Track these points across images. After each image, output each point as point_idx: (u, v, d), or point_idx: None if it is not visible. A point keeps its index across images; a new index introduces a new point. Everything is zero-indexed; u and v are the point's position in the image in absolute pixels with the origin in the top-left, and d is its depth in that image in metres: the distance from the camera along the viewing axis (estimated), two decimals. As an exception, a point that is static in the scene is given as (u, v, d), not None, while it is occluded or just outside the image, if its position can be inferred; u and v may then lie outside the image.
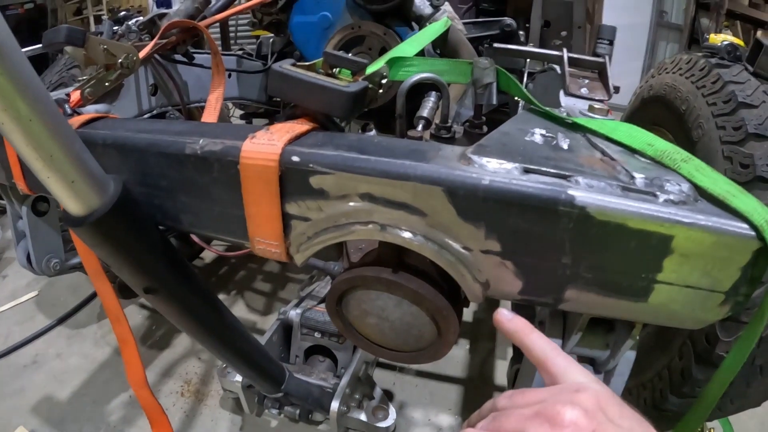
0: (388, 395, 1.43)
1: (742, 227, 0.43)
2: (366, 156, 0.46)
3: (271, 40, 1.66)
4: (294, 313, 1.28)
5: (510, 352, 1.63)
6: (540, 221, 0.43)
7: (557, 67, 1.01)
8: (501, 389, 1.50)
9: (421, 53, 0.94)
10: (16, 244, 1.00)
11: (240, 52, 1.59)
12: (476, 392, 1.50)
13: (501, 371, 1.57)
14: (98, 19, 4.49)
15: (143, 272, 0.58)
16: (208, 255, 2.14)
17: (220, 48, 1.41)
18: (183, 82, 1.25)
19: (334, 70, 0.61)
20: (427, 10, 1.27)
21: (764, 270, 0.43)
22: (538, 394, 0.41)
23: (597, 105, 0.76)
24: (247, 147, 0.49)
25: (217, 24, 2.15)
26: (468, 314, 1.80)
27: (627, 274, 0.45)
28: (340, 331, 0.64)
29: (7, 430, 1.34)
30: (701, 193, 0.47)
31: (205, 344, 0.76)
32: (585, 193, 0.43)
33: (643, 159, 0.54)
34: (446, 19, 1.19)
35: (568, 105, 0.84)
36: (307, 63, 0.60)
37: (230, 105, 2.02)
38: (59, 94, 0.83)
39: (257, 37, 1.84)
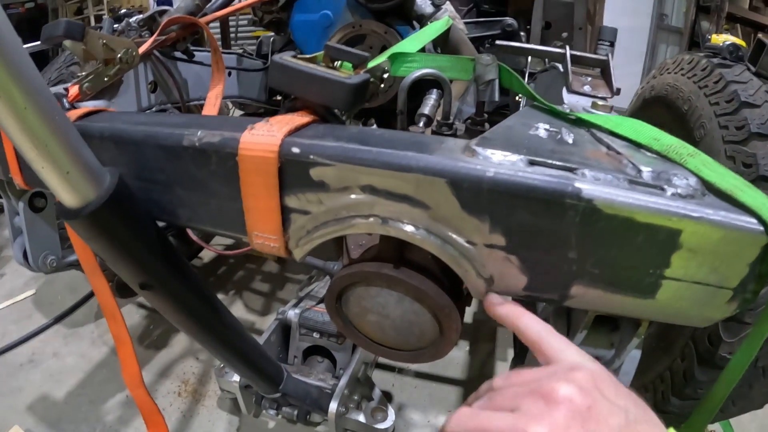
0: (387, 396, 1.42)
1: (751, 222, 0.42)
2: (368, 147, 0.45)
3: (271, 38, 1.65)
4: (292, 313, 1.27)
5: (510, 353, 1.62)
6: (546, 214, 0.42)
7: (559, 66, 1.00)
8: (501, 391, 1.48)
9: (422, 51, 0.93)
10: (12, 241, 0.99)
11: (240, 51, 1.59)
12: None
13: (501, 372, 1.56)
14: (99, 19, 4.49)
15: (139, 267, 0.57)
16: (206, 254, 2.13)
17: (220, 46, 1.40)
18: (183, 79, 1.24)
19: (336, 63, 0.60)
20: (429, 9, 1.27)
21: (773, 266, 0.42)
22: (534, 373, 0.41)
23: (600, 102, 0.75)
24: (245, 138, 0.48)
25: (218, 23, 2.15)
26: (468, 315, 1.79)
27: (634, 269, 0.44)
28: (339, 329, 0.63)
29: (3, 429, 1.32)
30: (708, 187, 0.47)
31: (203, 342, 0.75)
32: (592, 185, 0.42)
33: (649, 154, 0.53)
34: (447, 18, 1.19)
35: (571, 102, 0.83)
36: (308, 56, 0.59)
37: (230, 104, 2.02)
38: (58, 89, 0.83)
39: (257, 37, 1.84)
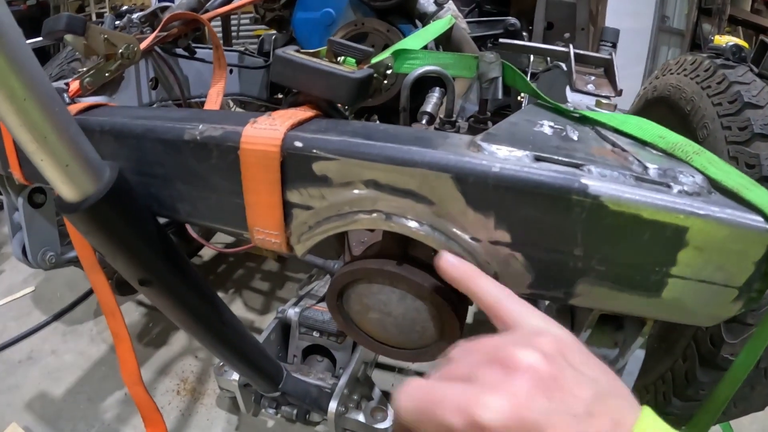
0: (387, 396, 1.41)
1: (757, 220, 0.42)
2: (371, 142, 0.45)
3: (273, 36, 1.65)
4: (292, 312, 1.26)
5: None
6: (552, 211, 0.42)
7: (563, 65, 1.00)
8: (501, 392, 1.48)
9: (425, 49, 0.93)
10: (11, 237, 0.98)
11: (242, 49, 1.58)
12: (476, 394, 1.48)
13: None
14: (100, 16, 4.49)
15: (138, 263, 0.57)
16: (206, 252, 2.12)
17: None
18: (184, 76, 1.24)
19: (339, 59, 0.60)
20: (431, 7, 1.26)
21: (778, 265, 0.42)
22: (494, 339, 0.37)
23: (604, 101, 0.75)
24: (248, 132, 0.48)
25: (219, 21, 2.15)
26: (468, 315, 1.78)
27: (640, 267, 0.43)
28: (340, 327, 0.62)
29: (0, 426, 1.32)
30: (714, 185, 0.46)
31: (202, 340, 0.74)
32: (598, 182, 0.41)
33: (654, 151, 0.53)
34: (450, 16, 1.18)
35: (575, 101, 0.82)
36: (311, 51, 0.58)
37: (230, 102, 2.01)
38: (59, 84, 0.82)
39: (259, 36, 1.83)
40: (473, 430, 0.31)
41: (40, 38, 0.92)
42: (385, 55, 0.65)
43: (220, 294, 1.91)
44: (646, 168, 0.46)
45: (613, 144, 0.53)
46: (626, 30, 1.61)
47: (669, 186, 0.43)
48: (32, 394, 1.45)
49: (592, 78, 0.92)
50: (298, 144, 0.46)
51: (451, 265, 0.43)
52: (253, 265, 2.06)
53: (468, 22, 1.51)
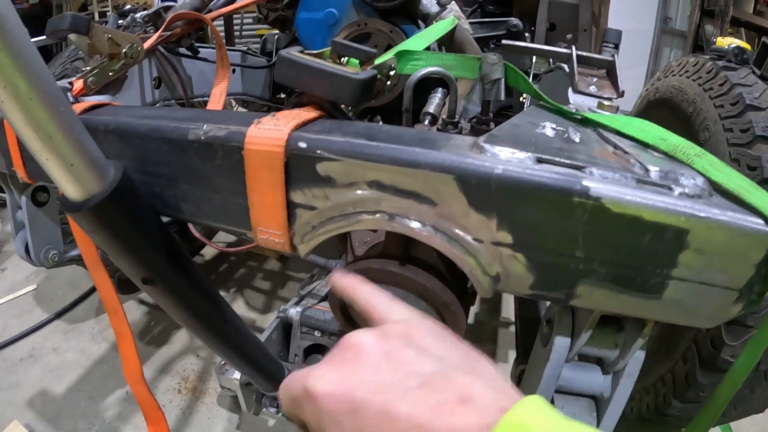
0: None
1: (758, 223, 0.42)
2: (375, 143, 0.45)
3: (276, 36, 1.65)
4: (294, 312, 1.26)
5: (511, 354, 1.62)
6: (553, 212, 0.42)
7: (565, 66, 1.00)
8: (501, 392, 1.48)
9: (428, 50, 0.93)
10: (14, 235, 0.99)
11: (245, 49, 1.59)
12: (476, 395, 1.48)
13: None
14: (103, 16, 4.50)
15: (142, 261, 0.57)
16: (208, 252, 2.13)
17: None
18: (187, 76, 1.24)
19: (342, 60, 0.60)
20: (434, 8, 1.27)
21: (778, 268, 0.42)
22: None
23: (606, 102, 0.75)
24: (252, 132, 0.48)
25: (222, 20, 2.15)
26: (469, 315, 1.79)
27: (641, 269, 0.44)
28: (342, 327, 0.63)
29: (1, 424, 1.32)
30: (715, 188, 0.46)
31: (204, 339, 0.74)
32: (600, 184, 0.41)
33: (656, 153, 0.53)
34: (453, 17, 1.18)
35: (577, 102, 0.83)
36: (315, 52, 0.59)
37: (233, 102, 2.02)
38: (62, 84, 0.83)
39: (261, 36, 1.84)
40: (307, 399, 0.33)
41: (44, 37, 0.93)
42: (389, 56, 0.66)
43: (221, 293, 1.92)
44: (647, 170, 0.46)
45: (615, 146, 0.53)
46: (628, 31, 1.61)
47: (670, 188, 0.43)
48: (33, 391, 1.45)
49: (595, 79, 0.93)
50: (303, 145, 0.47)
51: (339, 277, 0.46)
52: (254, 265, 2.07)
53: (470, 23, 1.51)
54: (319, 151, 0.46)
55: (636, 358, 0.55)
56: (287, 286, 1.94)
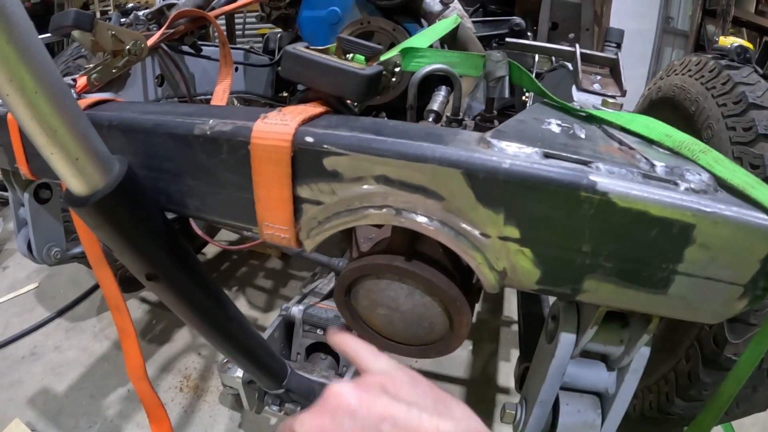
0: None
1: (763, 218, 0.42)
2: (382, 137, 0.45)
3: (278, 35, 1.65)
4: (296, 310, 1.26)
5: (513, 353, 1.62)
6: (560, 207, 0.42)
7: (568, 65, 1.00)
8: (504, 390, 1.48)
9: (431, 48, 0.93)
10: (17, 232, 0.99)
11: (248, 47, 1.59)
12: (478, 393, 1.48)
13: (503, 373, 1.55)
14: (104, 14, 4.50)
15: (146, 257, 0.57)
16: (210, 250, 2.13)
17: (227, 41, 1.40)
18: (190, 73, 1.24)
19: (348, 56, 0.60)
20: (437, 7, 1.27)
21: (783, 263, 0.42)
22: None
23: (610, 100, 0.75)
24: (258, 127, 0.48)
25: (224, 19, 2.15)
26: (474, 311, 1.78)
27: (647, 264, 0.44)
28: (347, 322, 0.63)
29: (2, 422, 1.32)
30: (720, 183, 0.46)
31: (207, 336, 0.74)
32: (607, 179, 0.42)
33: (661, 150, 0.53)
34: (456, 16, 1.18)
35: (581, 100, 0.83)
36: (320, 48, 0.59)
37: (235, 100, 2.02)
38: (66, 80, 0.82)
39: (264, 35, 1.84)
40: None
41: (46, 35, 0.93)
42: (394, 52, 0.66)
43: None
44: (653, 165, 0.46)
45: (620, 142, 0.53)
46: (630, 31, 1.61)
47: (676, 183, 0.43)
48: (35, 390, 1.45)
49: (598, 77, 0.93)
50: (309, 139, 0.47)
51: (333, 334, 0.51)
52: (256, 263, 2.07)
53: (473, 22, 1.51)
54: (326, 146, 0.46)
55: (641, 354, 0.55)
56: (289, 285, 1.94)
